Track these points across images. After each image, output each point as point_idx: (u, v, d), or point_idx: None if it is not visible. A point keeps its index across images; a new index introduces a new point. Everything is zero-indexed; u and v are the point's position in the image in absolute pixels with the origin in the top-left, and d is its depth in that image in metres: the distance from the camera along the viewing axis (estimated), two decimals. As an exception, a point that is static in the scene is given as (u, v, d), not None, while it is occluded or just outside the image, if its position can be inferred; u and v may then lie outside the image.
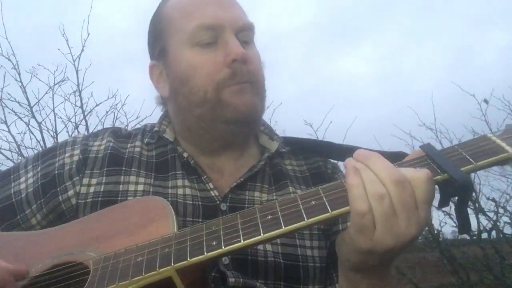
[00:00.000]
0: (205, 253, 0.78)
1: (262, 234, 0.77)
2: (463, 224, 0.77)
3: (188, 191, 1.09)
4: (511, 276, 4.87)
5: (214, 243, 0.79)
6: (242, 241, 0.78)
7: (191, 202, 1.07)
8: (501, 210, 5.29)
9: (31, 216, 1.12)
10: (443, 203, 0.81)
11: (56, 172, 1.12)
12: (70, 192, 1.10)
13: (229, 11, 1.11)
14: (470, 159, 0.77)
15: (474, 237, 5.27)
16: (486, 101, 4.90)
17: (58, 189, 1.10)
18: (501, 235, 5.36)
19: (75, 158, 1.13)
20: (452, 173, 0.75)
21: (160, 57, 1.16)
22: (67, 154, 1.15)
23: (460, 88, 4.91)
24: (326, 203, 0.77)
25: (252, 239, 0.77)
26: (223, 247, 0.78)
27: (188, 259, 0.78)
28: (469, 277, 4.90)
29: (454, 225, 5.27)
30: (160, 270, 0.79)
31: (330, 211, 0.76)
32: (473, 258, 5.03)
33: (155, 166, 1.13)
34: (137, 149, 1.16)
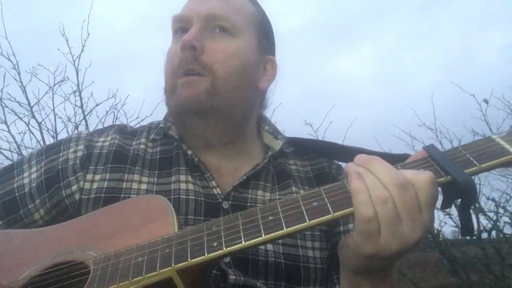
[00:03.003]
0: (206, 254, 0.78)
1: (263, 236, 0.76)
2: (466, 226, 0.77)
3: (191, 186, 1.08)
4: (511, 276, 4.86)
5: (215, 244, 0.79)
6: (243, 242, 0.77)
7: (193, 198, 1.06)
8: (501, 210, 5.30)
9: (34, 211, 1.12)
10: (445, 205, 0.80)
11: (60, 167, 1.12)
12: (74, 188, 1.09)
13: (202, 3, 1.13)
14: (474, 161, 0.76)
15: (474, 237, 5.27)
16: (486, 101, 4.90)
17: (62, 184, 1.10)
18: (501, 235, 5.35)
19: (79, 153, 1.13)
20: (455, 176, 0.74)
21: None
22: (71, 150, 1.15)
23: (460, 88, 4.91)
24: (328, 204, 0.77)
25: (253, 240, 0.77)
26: (224, 248, 0.77)
27: (189, 259, 0.78)
28: (469, 277, 4.90)
29: (454, 225, 5.28)
30: (161, 270, 0.78)
31: (332, 212, 0.75)
32: (473, 258, 5.02)
33: (159, 163, 1.13)
34: (142, 146, 1.16)
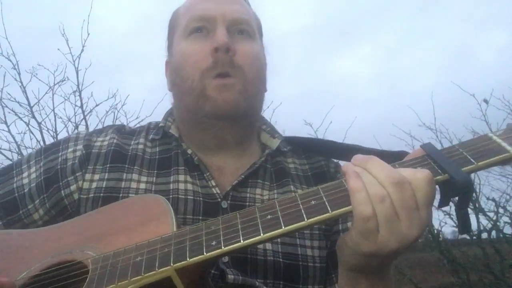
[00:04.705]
0: (205, 253, 0.78)
1: (262, 234, 0.77)
2: (463, 224, 0.77)
3: (189, 186, 1.09)
4: (511, 276, 4.87)
5: (214, 243, 0.79)
6: (242, 241, 0.77)
7: (192, 198, 1.07)
8: (501, 210, 5.31)
9: (33, 211, 1.12)
10: (443, 203, 0.80)
11: (59, 167, 1.13)
12: (73, 187, 1.10)
13: (223, 5, 1.15)
14: (471, 159, 0.76)
15: (474, 237, 5.28)
16: (486, 101, 4.91)
17: (61, 183, 1.11)
18: (501, 235, 5.36)
19: (78, 153, 1.14)
20: (452, 174, 0.74)
21: (169, 53, 1.23)
22: (70, 149, 1.15)
23: (460, 88, 4.92)
24: (326, 203, 0.77)
25: (252, 239, 0.77)
26: (222, 247, 0.77)
27: (188, 259, 0.78)
28: (469, 277, 4.90)
29: (454, 225, 5.27)
30: (160, 270, 0.78)
31: (330, 211, 0.76)
32: (473, 258, 5.03)
33: (158, 163, 1.13)
34: (141, 146, 1.16)
